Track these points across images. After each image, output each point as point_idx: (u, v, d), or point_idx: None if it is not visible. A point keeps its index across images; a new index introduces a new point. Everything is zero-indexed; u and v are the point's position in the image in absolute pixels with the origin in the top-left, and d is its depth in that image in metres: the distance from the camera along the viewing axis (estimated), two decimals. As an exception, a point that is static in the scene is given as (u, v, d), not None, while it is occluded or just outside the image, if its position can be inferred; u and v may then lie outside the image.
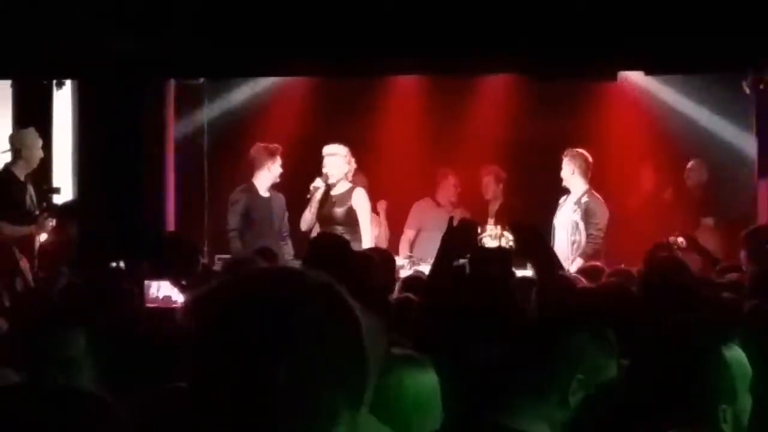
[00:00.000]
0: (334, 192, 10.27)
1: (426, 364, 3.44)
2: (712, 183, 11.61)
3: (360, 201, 10.33)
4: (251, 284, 1.87)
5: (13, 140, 10.13)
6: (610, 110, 12.10)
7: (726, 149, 11.81)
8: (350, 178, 10.35)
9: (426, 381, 3.40)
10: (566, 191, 10.66)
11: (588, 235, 10.35)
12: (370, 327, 1.84)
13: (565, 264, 9.71)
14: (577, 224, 10.44)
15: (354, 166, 10.37)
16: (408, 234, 11.66)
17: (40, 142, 10.11)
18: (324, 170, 10.26)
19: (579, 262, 9.85)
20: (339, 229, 10.05)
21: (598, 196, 10.53)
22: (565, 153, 10.62)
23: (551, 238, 10.26)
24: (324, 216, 10.21)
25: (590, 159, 10.54)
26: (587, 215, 10.42)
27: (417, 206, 11.81)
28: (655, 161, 12.06)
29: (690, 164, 11.69)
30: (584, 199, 10.49)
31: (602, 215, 10.42)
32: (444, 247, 5.24)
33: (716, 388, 3.24)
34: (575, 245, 10.38)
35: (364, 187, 11.63)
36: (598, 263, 9.04)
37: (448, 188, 11.75)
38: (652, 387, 3.32)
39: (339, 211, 10.24)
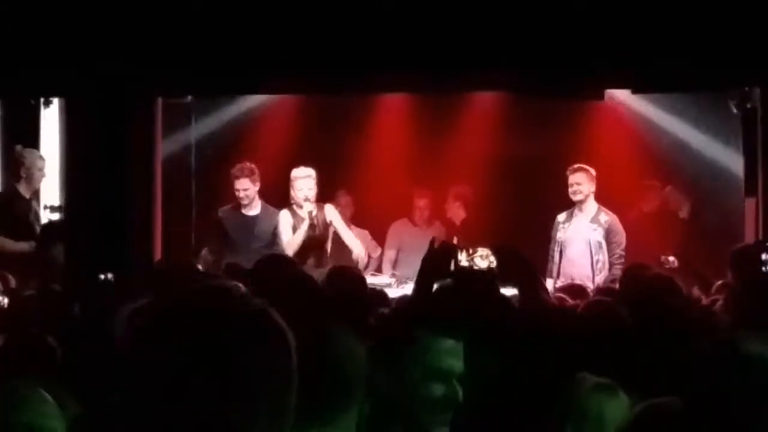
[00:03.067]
0: (306, 218, 10.32)
1: (620, 392, 3.64)
2: (696, 204, 11.61)
3: (335, 217, 10.41)
4: (180, 303, 1.91)
5: (18, 159, 10.17)
6: (596, 129, 12.11)
7: (713, 168, 11.83)
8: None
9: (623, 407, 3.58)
10: (563, 207, 10.66)
11: (615, 256, 10.31)
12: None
13: (588, 283, 9.63)
14: (600, 243, 10.41)
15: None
16: (389, 254, 11.70)
17: (41, 163, 10.16)
18: (298, 193, 10.29)
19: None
20: (312, 252, 10.13)
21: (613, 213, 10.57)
22: (580, 167, 10.59)
23: (557, 255, 10.28)
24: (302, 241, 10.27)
25: None
26: (611, 235, 10.40)
27: (394, 227, 11.85)
28: (642, 180, 12.07)
29: (667, 189, 11.71)
30: (604, 217, 10.48)
31: (623, 235, 10.43)
32: (424, 269, 5.27)
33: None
34: (599, 264, 10.35)
35: (349, 206, 11.68)
36: (579, 282, 9.04)
37: (422, 209, 11.78)
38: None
39: (315, 234, 10.28)
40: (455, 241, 10.05)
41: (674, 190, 11.68)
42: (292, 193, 10.37)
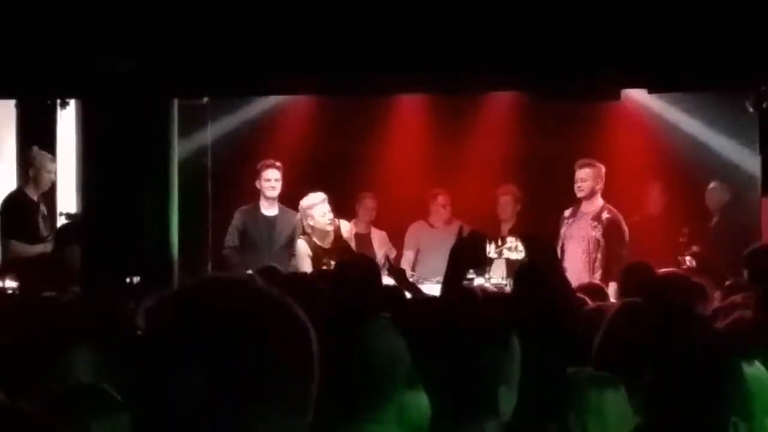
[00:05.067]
0: (326, 244, 10.30)
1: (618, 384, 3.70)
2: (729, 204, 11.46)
3: (349, 233, 10.44)
4: (200, 293, 1.89)
5: (26, 160, 10.19)
6: (613, 129, 12.08)
7: (729, 167, 11.78)
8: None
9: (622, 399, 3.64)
10: (570, 203, 10.60)
11: (615, 255, 10.13)
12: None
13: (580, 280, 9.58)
14: (599, 241, 10.28)
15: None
16: (407, 255, 11.65)
17: (51, 166, 10.14)
18: (320, 219, 10.26)
19: (612, 285, 9.71)
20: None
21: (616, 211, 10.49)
22: (586, 163, 10.51)
23: (560, 251, 10.12)
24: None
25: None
26: (611, 233, 10.27)
27: (412, 228, 11.78)
28: (658, 180, 12.03)
29: (711, 186, 11.56)
30: (606, 215, 10.37)
31: (625, 234, 10.32)
32: (453, 259, 5.12)
33: (730, 401, 3.20)
34: (597, 263, 10.23)
35: (373, 208, 11.66)
36: (597, 282, 8.98)
37: (438, 209, 11.70)
38: (670, 403, 3.26)
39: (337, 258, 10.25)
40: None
41: (722, 186, 11.50)
42: (310, 222, 10.30)
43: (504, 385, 3.20)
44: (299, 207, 10.39)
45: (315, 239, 10.30)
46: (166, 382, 1.80)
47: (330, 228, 10.29)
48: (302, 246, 10.36)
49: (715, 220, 11.36)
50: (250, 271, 8.47)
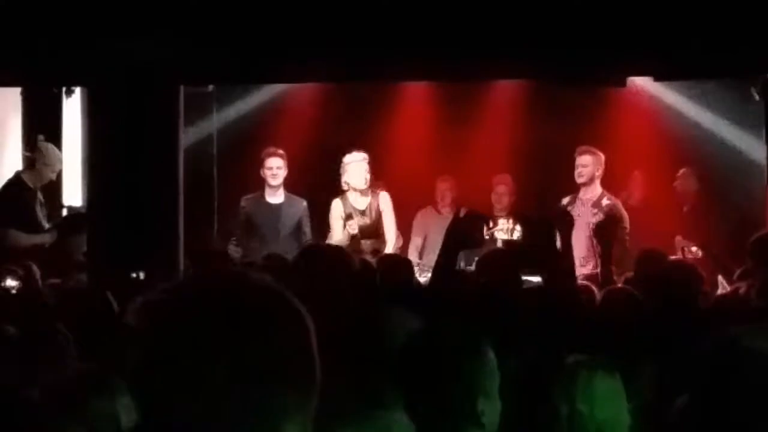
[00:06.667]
0: (360, 205, 10.28)
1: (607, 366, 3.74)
2: (712, 190, 11.46)
3: (387, 206, 10.39)
4: (198, 288, 1.89)
5: (34, 150, 10.14)
6: (618, 116, 12.05)
7: (735, 155, 11.76)
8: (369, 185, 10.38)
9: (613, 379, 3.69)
10: (570, 191, 10.57)
11: (618, 240, 10.12)
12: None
13: (583, 268, 9.59)
14: None
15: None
16: (415, 241, 11.63)
17: (59, 164, 10.11)
18: (353, 179, 10.23)
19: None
20: (368, 243, 10.08)
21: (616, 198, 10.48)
22: (586, 150, 10.48)
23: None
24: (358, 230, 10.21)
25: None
26: (615, 219, 10.26)
27: (420, 215, 11.78)
28: (663, 167, 12.01)
29: (680, 172, 11.57)
30: (606, 201, 10.35)
31: (626, 221, 10.30)
32: (448, 238, 5.05)
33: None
34: (599, 249, 10.19)
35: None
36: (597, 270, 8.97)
37: (445, 195, 11.72)
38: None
39: (369, 222, 10.21)
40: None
41: (689, 173, 11.49)
42: (346, 178, 10.30)
43: (482, 396, 3.15)
44: (341, 162, 10.37)
45: (350, 199, 10.27)
46: (162, 377, 1.79)
47: (364, 187, 10.26)
48: (335, 206, 10.36)
49: (685, 208, 11.36)
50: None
